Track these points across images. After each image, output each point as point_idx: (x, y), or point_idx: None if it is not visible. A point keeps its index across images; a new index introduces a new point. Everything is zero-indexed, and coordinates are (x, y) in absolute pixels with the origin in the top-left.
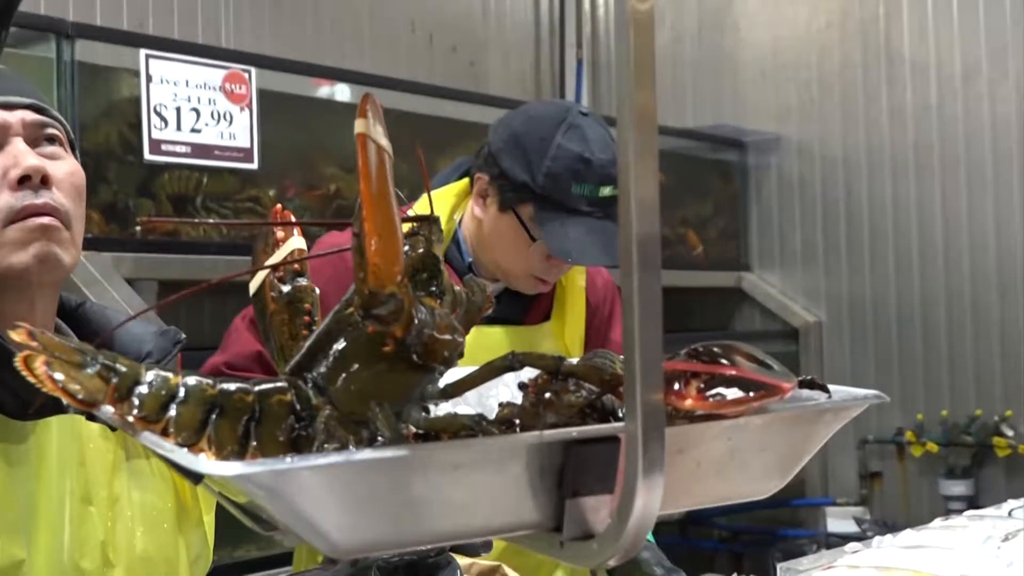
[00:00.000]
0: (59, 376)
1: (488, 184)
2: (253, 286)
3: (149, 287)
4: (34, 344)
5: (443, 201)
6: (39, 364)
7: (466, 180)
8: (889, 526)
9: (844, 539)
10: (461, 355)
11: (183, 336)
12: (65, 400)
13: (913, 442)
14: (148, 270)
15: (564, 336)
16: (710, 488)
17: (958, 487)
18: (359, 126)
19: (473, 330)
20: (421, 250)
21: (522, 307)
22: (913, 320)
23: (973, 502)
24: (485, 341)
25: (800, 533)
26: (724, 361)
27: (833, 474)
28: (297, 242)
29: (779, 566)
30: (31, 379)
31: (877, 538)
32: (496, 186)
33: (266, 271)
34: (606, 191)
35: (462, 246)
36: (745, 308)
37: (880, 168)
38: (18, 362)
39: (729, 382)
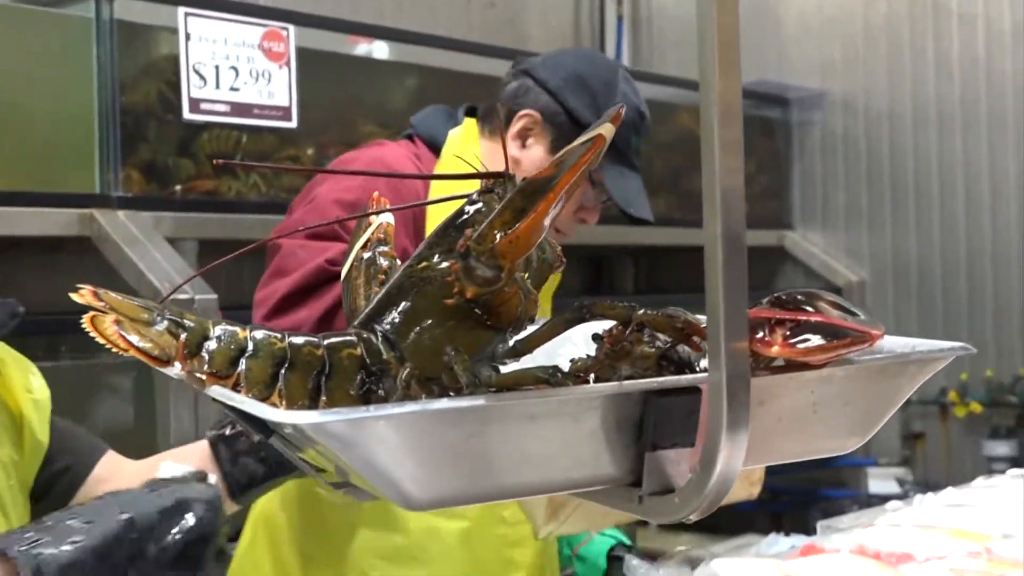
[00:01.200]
0: (133, 337)
1: (540, 122)
2: (344, 271)
3: (190, 246)
4: (100, 304)
5: (454, 148)
6: (109, 324)
7: (470, 122)
8: (932, 487)
9: (885, 500)
10: (532, 319)
11: (21, 309)
12: (141, 359)
13: (957, 402)
14: (189, 229)
15: None
16: (792, 443)
17: (1002, 448)
18: (606, 131)
19: None
20: (496, 206)
21: None
22: (958, 279)
23: (1018, 463)
24: None
25: (841, 494)
26: (808, 308)
27: (875, 434)
28: (386, 216)
29: (819, 524)
30: (100, 340)
31: (918, 496)
32: (553, 124)
33: (354, 253)
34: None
35: None
36: (788, 267)
37: (926, 124)
38: (85, 323)
39: (816, 329)
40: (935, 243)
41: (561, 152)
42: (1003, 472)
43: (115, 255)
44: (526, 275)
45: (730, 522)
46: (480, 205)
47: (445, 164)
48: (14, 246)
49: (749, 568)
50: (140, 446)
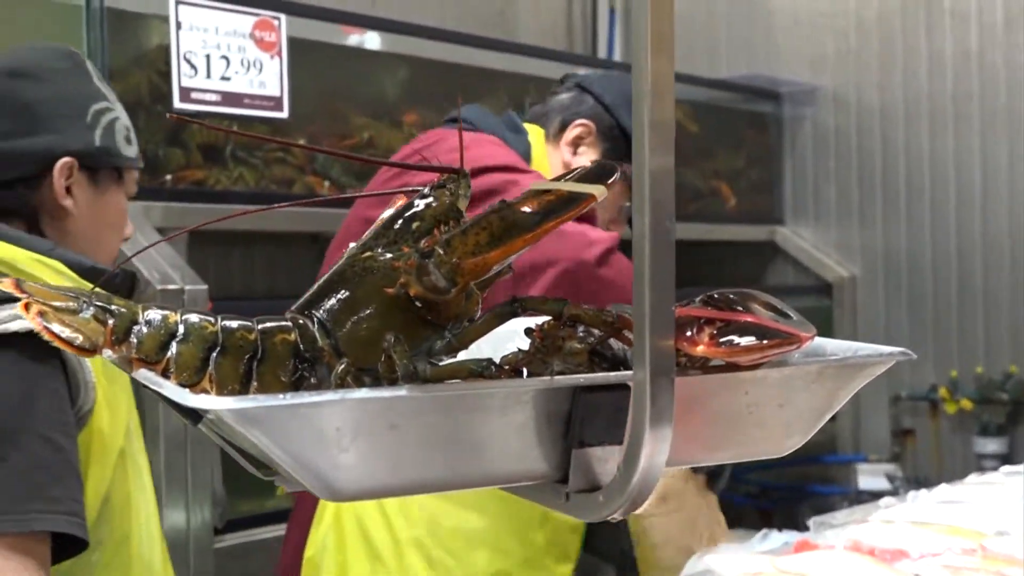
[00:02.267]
0: (55, 327)
1: (594, 133)
2: None
3: (180, 236)
4: (23, 295)
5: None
6: (33, 315)
7: (537, 130)
8: (922, 483)
9: (876, 496)
10: (472, 318)
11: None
12: (64, 349)
13: (947, 399)
14: (178, 219)
15: None
16: (724, 443)
17: (992, 445)
18: (598, 193)
19: None
20: (447, 202)
21: None
22: (949, 275)
23: (1008, 460)
24: None
25: (831, 490)
26: (739, 308)
27: (865, 431)
28: None
29: (812, 520)
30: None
31: (912, 493)
32: (605, 136)
33: None
34: None
35: None
36: (778, 262)
37: (918, 118)
38: (19, 309)
39: (745, 330)
40: (926, 239)
41: (551, 195)
42: (994, 469)
43: None
44: None
45: None
46: (431, 200)
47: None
48: None
49: (743, 563)
50: None
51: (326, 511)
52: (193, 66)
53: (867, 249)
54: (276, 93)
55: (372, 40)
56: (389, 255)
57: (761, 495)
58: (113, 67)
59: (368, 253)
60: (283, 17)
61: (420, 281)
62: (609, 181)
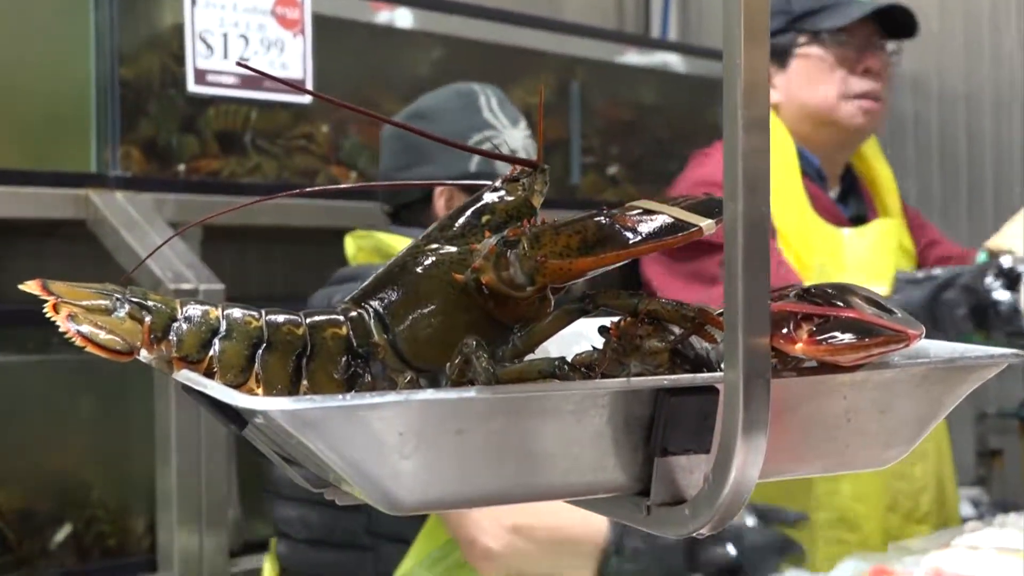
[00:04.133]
0: (85, 329)
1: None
2: None
3: (193, 231)
4: (50, 297)
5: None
6: (62, 319)
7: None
8: (1010, 508)
9: (961, 521)
10: (536, 317)
11: None
12: (98, 353)
13: None
14: (193, 212)
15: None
16: (821, 453)
17: None
18: (707, 228)
19: (825, 233)
20: (521, 197)
21: (857, 205)
22: None
23: None
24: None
25: None
26: (839, 303)
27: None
28: None
29: (890, 545)
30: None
31: (1000, 516)
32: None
33: None
34: None
35: (806, 155)
36: None
37: (1008, 107)
38: (48, 311)
39: (847, 326)
40: None
41: (656, 218)
42: None
43: (112, 240)
44: None
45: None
46: (503, 193)
47: None
48: (2, 229)
49: None
50: (137, 447)
51: None
52: (209, 46)
53: None
54: (299, 75)
55: (403, 17)
56: (455, 248)
57: None
58: (123, 47)
59: (433, 245)
60: None
61: (497, 271)
62: (718, 220)
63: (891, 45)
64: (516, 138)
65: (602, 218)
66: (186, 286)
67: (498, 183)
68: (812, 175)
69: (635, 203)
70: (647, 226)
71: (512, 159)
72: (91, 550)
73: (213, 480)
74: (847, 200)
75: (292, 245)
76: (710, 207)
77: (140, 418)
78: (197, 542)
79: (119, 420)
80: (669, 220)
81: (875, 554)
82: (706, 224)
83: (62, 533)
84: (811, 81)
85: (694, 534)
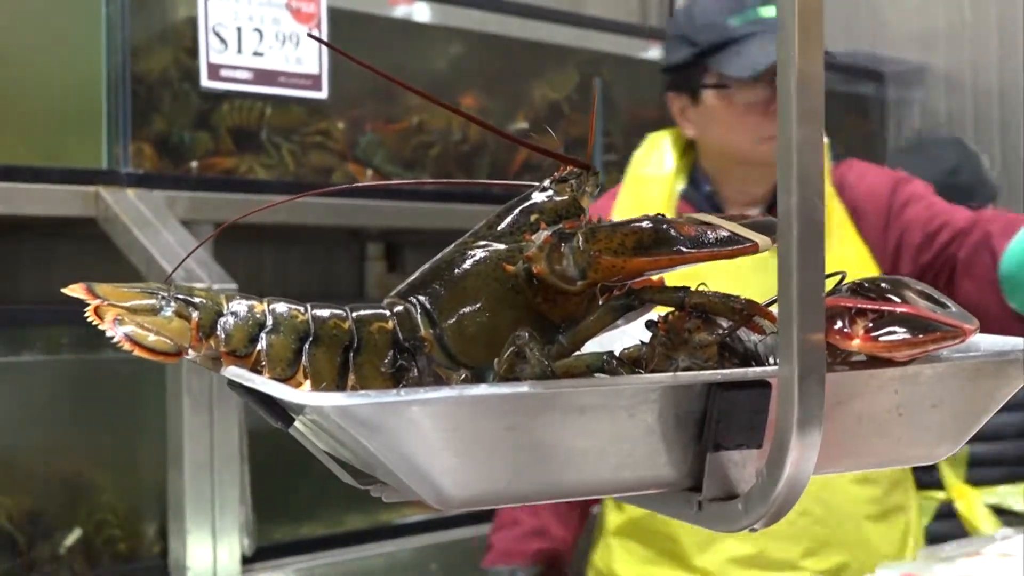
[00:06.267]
0: (132, 331)
1: (674, 98)
2: None
3: (206, 230)
4: (95, 300)
5: (671, 143)
6: (108, 323)
7: (674, 131)
8: None
9: None
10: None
11: None
12: (146, 356)
13: None
14: (206, 211)
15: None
16: (872, 448)
17: None
18: (763, 245)
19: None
20: (569, 197)
21: None
22: None
23: None
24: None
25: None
26: (895, 298)
27: None
28: None
29: (919, 552)
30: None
31: None
32: (679, 87)
33: None
34: (768, 11)
35: (700, 180)
36: None
37: None
38: (90, 315)
39: (901, 321)
40: None
41: (712, 229)
42: None
43: (123, 238)
44: None
45: None
46: (552, 192)
47: None
48: (10, 227)
49: None
50: (149, 452)
51: None
52: (223, 40)
53: None
54: (314, 71)
55: (421, 11)
56: (503, 246)
57: None
58: (135, 41)
59: (482, 242)
60: None
61: (550, 262)
62: (774, 239)
63: None
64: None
65: (661, 223)
66: (199, 285)
67: (547, 182)
68: (700, 204)
69: (695, 215)
70: (704, 236)
71: (563, 158)
72: (101, 555)
73: (225, 485)
74: None
75: (308, 244)
76: (768, 226)
77: (152, 421)
78: (209, 548)
79: (130, 423)
80: (726, 233)
81: (904, 563)
82: (763, 241)
83: (72, 538)
84: (725, 123)
85: (747, 529)
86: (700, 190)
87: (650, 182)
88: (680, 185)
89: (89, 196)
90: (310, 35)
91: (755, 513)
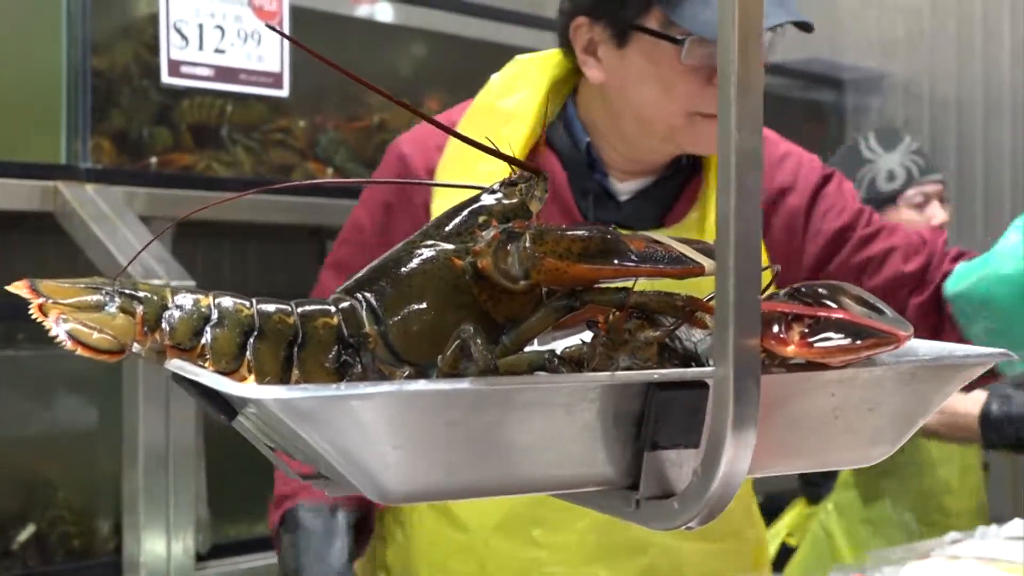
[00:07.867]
0: (74, 329)
1: (590, 25)
2: None
3: (165, 226)
4: (38, 298)
5: (539, 72)
6: (52, 321)
7: (556, 54)
8: (995, 519)
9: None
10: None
11: None
12: (89, 356)
13: None
14: (164, 207)
15: (705, 231)
16: (807, 450)
17: None
18: (708, 267)
19: None
20: (517, 201)
21: (661, 206)
22: None
23: None
24: None
25: None
26: (831, 303)
27: None
28: None
29: (870, 554)
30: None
31: (980, 528)
32: (602, 18)
33: None
34: None
35: (575, 128)
36: None
37: (999, 112)
38: (34, 312)
39: (838, 327)
40: None
41: (661, 247)
42: None
43: (81, 233)
44: None
45: None
46: (500, 196)
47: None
48: None
49: None
50: (104, 447)
51: None
52: (184, 36)
53: None
54: (276, 68)
55: (384, 11)
56: (450, 246)
57: None
58: (96, 38)
59: (429, 241)
60: None
61: (496, 259)
62: None
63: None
64: (894, 160)
65: (610, 233)
66: (156, 281)
67: (496, 185)
68: (572, 155)
69: (647, 233)
70: (651, 252)
71: (515, 161)
72: (55, 551)
73: (180, 482)
74: (656, 198)
75: (267, 242)
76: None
77: (107, 417)
78: (164, 544)
79: (86, 419)
80: (674, 252)
81: (853, 564)
82: (709, 265)
83: (25, 533)
84: (656, 83)
85: (682, 527)
86: (575, 139)
87: (507, 117)
88: (544, 129)
89: (47, 191)
90: (269, 26)
91: (690, 511)
